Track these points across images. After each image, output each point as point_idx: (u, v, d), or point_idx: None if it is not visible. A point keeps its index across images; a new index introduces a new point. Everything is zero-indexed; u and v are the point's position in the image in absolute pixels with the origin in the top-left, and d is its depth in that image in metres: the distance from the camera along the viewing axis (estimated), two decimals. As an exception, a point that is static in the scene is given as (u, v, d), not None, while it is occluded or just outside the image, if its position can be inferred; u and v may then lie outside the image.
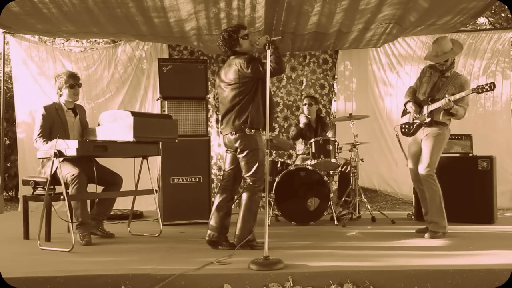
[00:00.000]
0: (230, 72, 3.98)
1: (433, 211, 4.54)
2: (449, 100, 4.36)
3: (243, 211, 3.91)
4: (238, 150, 3.92)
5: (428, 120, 4.58)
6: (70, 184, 4.10)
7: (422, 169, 4.51)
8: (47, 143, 4.26)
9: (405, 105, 4.82)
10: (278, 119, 7.17)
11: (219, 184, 4.20)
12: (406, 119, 4.82)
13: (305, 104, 6.05)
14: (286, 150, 6.81)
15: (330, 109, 7.40)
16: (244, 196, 3.93)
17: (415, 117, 4.68)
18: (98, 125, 4.45)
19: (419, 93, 4.76)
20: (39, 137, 4.35)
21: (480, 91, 4.34)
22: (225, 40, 4.05)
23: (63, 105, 4.50)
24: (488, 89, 4.30)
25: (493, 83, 4.30)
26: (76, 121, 4.57)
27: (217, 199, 4.06)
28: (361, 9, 5.56)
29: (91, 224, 4.43)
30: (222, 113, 4.05)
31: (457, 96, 4.40)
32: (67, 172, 4.12)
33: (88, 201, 4.80)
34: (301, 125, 6.01)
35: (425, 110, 4.61)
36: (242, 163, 3.93)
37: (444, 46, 4.59)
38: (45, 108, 4.44)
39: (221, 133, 4.18)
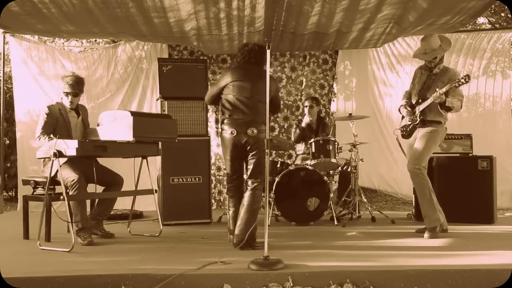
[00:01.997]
0: (263, 85, 3.74)
1: (424, 205, 4.55)
2: (439, 93, 4.37)
3: (245, 211, 3.90)
4: (253, 147, 3.96)
5: (419, 119, 4.63)
6: (69, 189, 4.10)
7: (410, 163, 4.54)
8: (51, 139, 4.24)
9: (399, 110, 4.90)
10: (278, 119, 7.17)
11: (229, 193, 4.15)
12: (404, 122, 4.87)
13: (306, 106, 6.04)
14: (286, 150, 6.81)
15: (330, 109, 7.40)
16: (248, 196, 3.93)
17: (409, 119, 4.73)
18: (98, 125, 4.45)
19: (413, 95, 4.82)
20: (42, 134, 4.34)
21: (457, 85, 4.34)
22: (263, 54, 3.91)
23: (66, 105, 4.51)
24: (464, 81, 4.30)
25: (468, 75, 4.32)
26: (79, 121, 4.57)
27: (233, 207, 4.07)
28: (361, 9, 5.56)
29: (91, 226, 4.44)
30: (244, 114, 4.00)
31: (443, 89, 4.39)
32: (67, 176, 4.11)
33: (88, 201, 4.81)
34: (303, 125, 6.02)
35: (417, 110, 4.66)
36: (254, 161, 3.97)
37: (433, 43, 4.63)
38: (49, 107, 4.46)
39: (228, 130, 4.04)
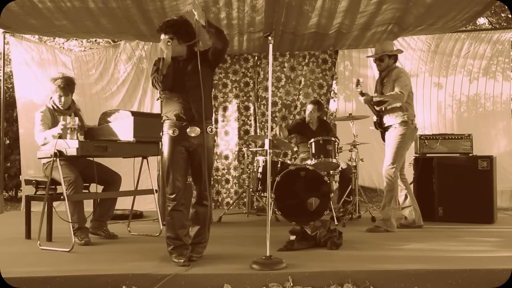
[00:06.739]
0: None
1: (383, 208, 4.80)
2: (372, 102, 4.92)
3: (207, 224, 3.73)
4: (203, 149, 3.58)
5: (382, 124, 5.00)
6: (66, 189, 4.09)
7: (384, 166, 4.83)
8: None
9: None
10: (276, 118, 7.16)
11: (179, 201, 3.73)
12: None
13: (309, 110, 6.10)
14: (286, 150, 6.80)
15: (328, 109, 7.40)
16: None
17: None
18: (98, 124, 4.45)
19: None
20: (42, 130, 4.32)
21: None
22: None
23: (58, 107, 4.49)
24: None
25: (358, 79, 4.91)
26: (75, 122, 4.55)
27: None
28: (361, 10, 5.56)
29: (95, 227, 4.47)
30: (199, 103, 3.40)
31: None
32: (64, 176, 4.10)
33: (91, 201, 4.80)
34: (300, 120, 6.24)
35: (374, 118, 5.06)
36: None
37: (385, 46, 4.97)
38: (42, 112, 4.45)
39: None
